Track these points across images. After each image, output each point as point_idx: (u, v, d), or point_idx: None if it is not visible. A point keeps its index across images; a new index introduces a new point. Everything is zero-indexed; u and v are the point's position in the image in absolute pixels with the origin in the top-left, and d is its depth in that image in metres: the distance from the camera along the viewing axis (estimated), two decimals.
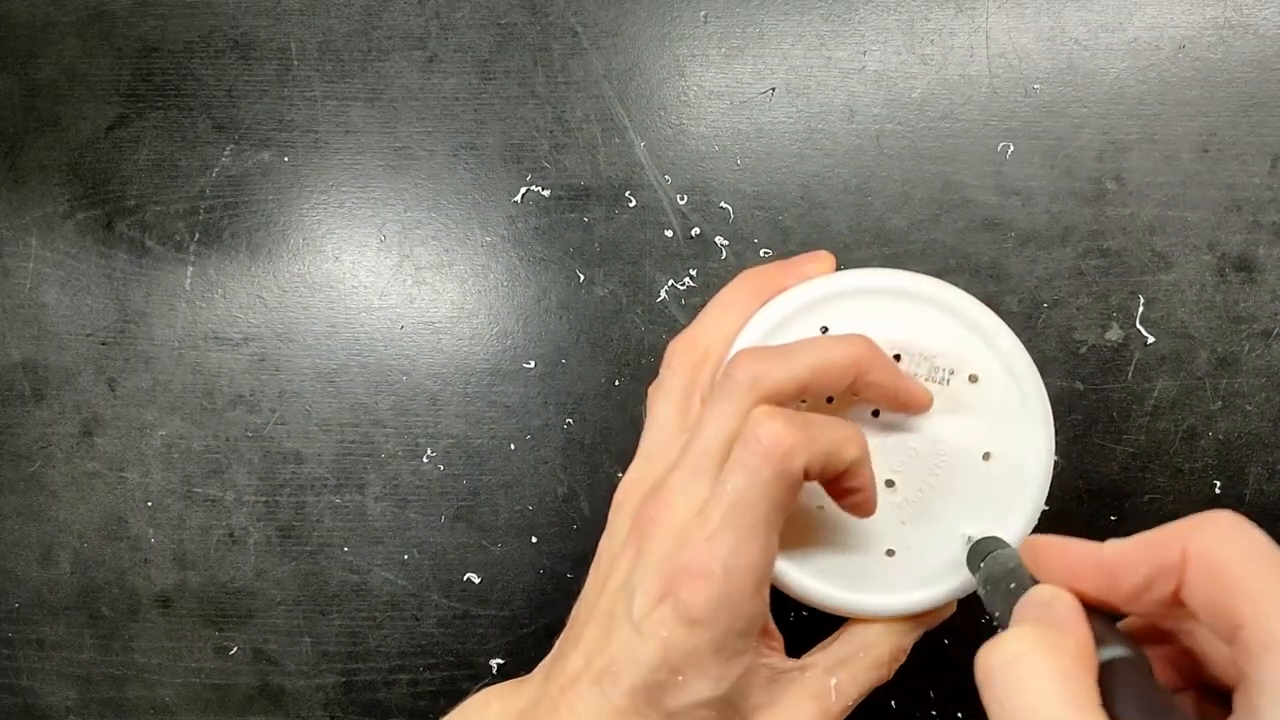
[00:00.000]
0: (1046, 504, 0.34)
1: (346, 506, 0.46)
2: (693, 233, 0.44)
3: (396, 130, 0.46)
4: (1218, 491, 0.43)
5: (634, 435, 0.45)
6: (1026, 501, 0.32)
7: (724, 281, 0.37)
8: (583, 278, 0.45)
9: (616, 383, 0.45)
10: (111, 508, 0.47)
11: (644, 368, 0.44)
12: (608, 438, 0.45)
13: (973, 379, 0.32)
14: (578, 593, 0.33)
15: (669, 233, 0.44)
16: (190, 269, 0.47)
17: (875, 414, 0.33)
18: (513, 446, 0.45)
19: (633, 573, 0.29)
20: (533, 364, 0.45)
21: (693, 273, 0.44)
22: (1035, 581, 0.25)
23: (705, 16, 0.44)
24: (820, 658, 0.32)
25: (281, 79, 0.46)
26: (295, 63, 0.46)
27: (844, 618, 0.34)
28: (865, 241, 0.44)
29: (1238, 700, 0.20)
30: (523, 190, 0.45)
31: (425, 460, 0.46)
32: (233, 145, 0.46)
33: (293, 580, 0.47)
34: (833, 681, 0.30)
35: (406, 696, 0.46)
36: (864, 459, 0.29)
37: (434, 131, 0.45)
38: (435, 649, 0.46)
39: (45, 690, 0.48)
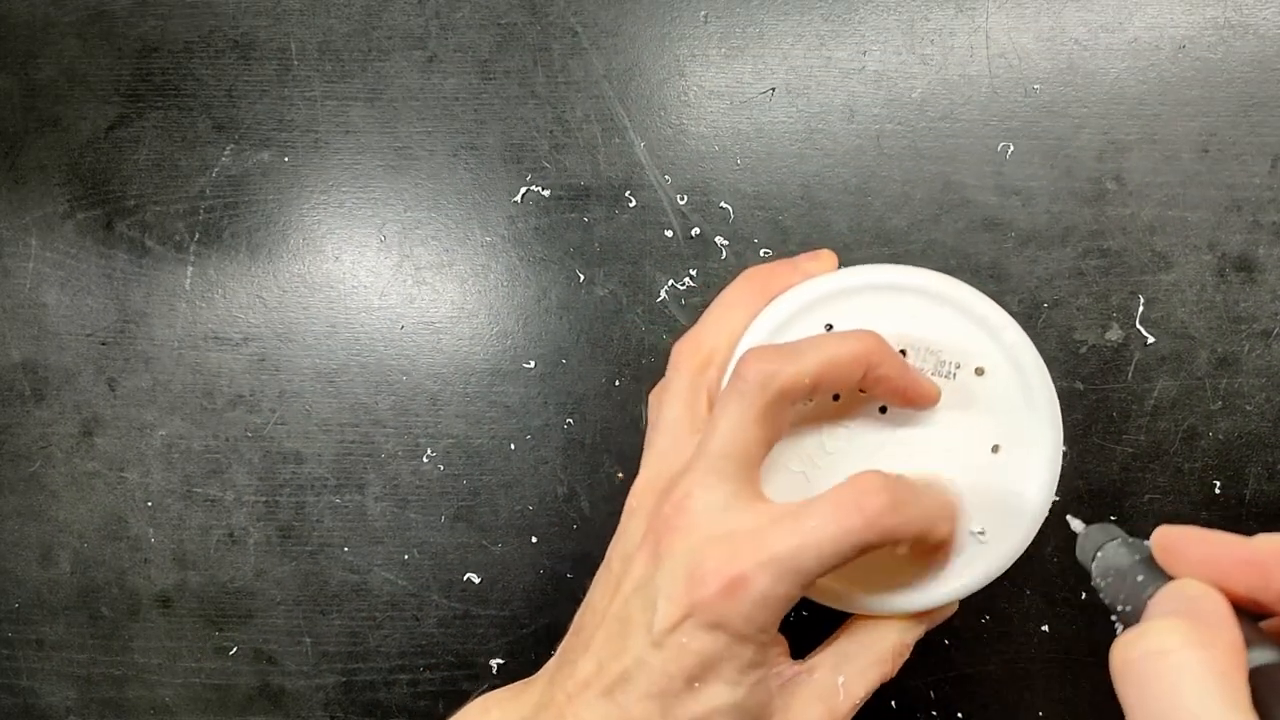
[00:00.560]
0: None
1: (346, 506, 0.46)
2: (693, 233, 0.44)
3: (396, 130, 0.46)
4: (1218, 491, 0.43)
5: (634, 435, 0.45)
6: (1036, 493, 0.32)
7: (725, 281, 0.37)
8: (583, 278, 0.45)
9: (617, 383, 0.45)
10: (111, 508, 0.47)
11: (644, 368, 0.44)
12: (608, 438, 0.45)
13: (979, 372, 0.32)
14: (578, 592, 0.33)
15: (669, 233, 0.45)
16: (190, 269, 0.47)
17: (882, 410, 0.33)
18: (513, 446, 0.45)
19: (653, 577, 0.29)
20: (533, 364, 0.45)
21: (693, 273, 0.44)
22: (1169, 577, 0.23)
23: (705, 16, 0.44)
24: (825, 657, 0.32)
25: (281, 79, 0.46)
26: (295, 63, 0.46)
27: (845, 615, 0.33)
28: (865, 241, 0.44)
29: None
30: (523, 190, 0.45)
31: (425, 460, 0.46)
32: (233, 145, 0.46)
33: (293, 580, 0.47)
34: (840, 680, 0.30)
35: (406, 696, 0.46)
36: (953, 530, 0.30)
37: (434, 131, 0.45)
38: (435, 649, 0.46)
39: (45, 690, 0.48)
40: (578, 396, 0.45)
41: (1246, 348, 0.43)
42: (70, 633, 0.48)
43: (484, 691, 0.34)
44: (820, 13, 0.44)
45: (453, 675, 0.46)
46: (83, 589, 0.48)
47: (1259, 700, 0.20)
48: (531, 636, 0.46)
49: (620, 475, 0.45)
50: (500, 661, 0.46)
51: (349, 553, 0.46)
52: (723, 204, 0.44)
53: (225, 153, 0.46)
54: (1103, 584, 0.25)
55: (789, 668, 0.31)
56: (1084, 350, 0.43)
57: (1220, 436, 0.43)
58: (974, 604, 0.43)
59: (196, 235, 0.46)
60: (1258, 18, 0.42)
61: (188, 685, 0.47)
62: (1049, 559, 0.43)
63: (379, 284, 0.46)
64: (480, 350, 0.46)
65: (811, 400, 0.32)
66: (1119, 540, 0.25)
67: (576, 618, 0.33)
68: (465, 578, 0.46)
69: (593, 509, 0.45)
